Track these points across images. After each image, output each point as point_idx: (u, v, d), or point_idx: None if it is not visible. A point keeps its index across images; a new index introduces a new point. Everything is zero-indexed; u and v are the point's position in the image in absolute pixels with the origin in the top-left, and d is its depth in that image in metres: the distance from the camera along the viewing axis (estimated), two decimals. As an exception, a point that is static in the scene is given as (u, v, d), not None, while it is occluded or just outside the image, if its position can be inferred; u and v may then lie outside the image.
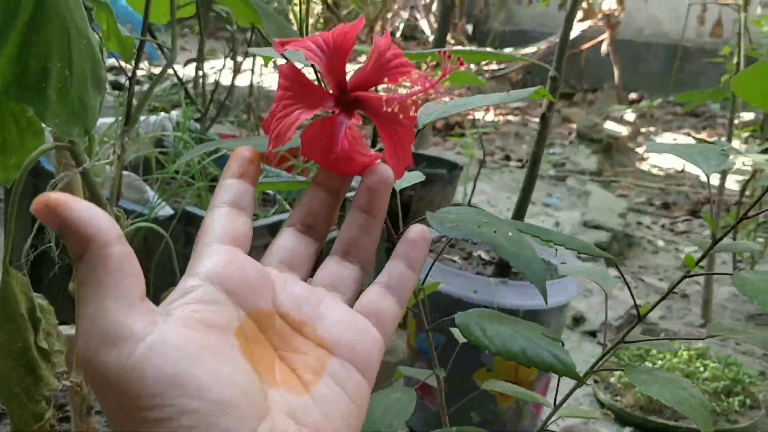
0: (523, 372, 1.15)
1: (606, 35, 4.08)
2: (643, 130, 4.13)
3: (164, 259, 1.22)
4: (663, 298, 0.59)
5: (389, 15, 4.34)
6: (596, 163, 3.20)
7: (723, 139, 4.27)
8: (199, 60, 2.04)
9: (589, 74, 6.00)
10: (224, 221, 0.35)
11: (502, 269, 1.21)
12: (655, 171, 3.57)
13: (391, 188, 0.38)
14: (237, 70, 2.50)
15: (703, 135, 4.51)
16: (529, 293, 1.11)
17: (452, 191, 1.83)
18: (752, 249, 0.61)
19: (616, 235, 2.39)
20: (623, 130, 3.73)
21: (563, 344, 0.59)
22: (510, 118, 4.30)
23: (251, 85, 2.38)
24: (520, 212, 1.17)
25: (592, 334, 1.84)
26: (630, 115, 3.92)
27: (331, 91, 0.40)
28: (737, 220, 0.55)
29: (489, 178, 3.09)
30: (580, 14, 3.77)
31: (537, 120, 4.26)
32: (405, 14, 4.50)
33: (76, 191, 0.72)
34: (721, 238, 0.54)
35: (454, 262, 1.25)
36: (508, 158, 3.39)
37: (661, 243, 2.58)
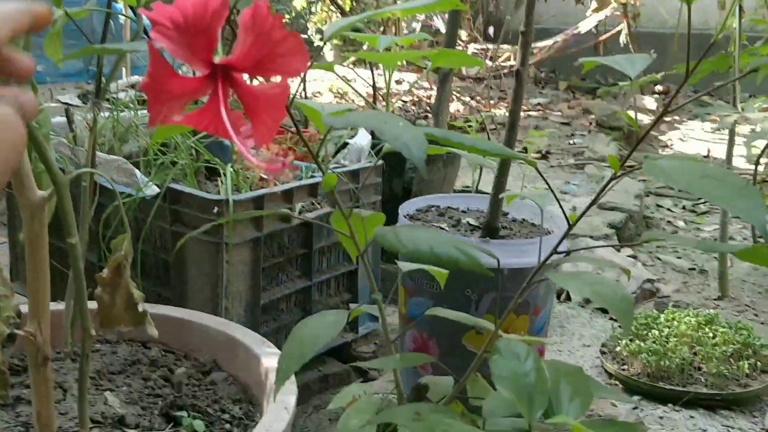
0: (513, 331, 1.13)
1: (623, 26, 4.03)
2: (667, 118, 4.06)
3: (150, 234, 1.25)
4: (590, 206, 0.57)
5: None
6: (616, 151, 3.16)
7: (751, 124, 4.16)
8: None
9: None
10: None
11: (489, 232, 1.20)
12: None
13: None
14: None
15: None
16: (512, 252, 1.09)
17: (453, 172, 1.82)
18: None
19: (632, 216, 2.35)
20: (645, 119, 3.68)
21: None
22: (531, 113, 4.26)
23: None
24: (501, 172, 1.16)
25: (604, 310, 1.80)
26: (652, 104, 3.86)
27: (199, 73, 0.39)
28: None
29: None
30: (594, 5, 3.73)
31: (558, 113, 4.19)
32: (421, 16, 4.51)
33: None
34: (637, 144, 0.53)
35: (443, 228, 1.24)
36: (525, 150, 3.36)
37: (681, 223, 2.52)
